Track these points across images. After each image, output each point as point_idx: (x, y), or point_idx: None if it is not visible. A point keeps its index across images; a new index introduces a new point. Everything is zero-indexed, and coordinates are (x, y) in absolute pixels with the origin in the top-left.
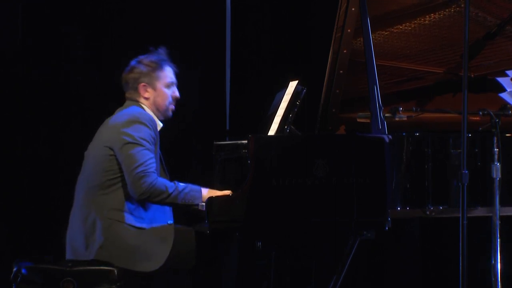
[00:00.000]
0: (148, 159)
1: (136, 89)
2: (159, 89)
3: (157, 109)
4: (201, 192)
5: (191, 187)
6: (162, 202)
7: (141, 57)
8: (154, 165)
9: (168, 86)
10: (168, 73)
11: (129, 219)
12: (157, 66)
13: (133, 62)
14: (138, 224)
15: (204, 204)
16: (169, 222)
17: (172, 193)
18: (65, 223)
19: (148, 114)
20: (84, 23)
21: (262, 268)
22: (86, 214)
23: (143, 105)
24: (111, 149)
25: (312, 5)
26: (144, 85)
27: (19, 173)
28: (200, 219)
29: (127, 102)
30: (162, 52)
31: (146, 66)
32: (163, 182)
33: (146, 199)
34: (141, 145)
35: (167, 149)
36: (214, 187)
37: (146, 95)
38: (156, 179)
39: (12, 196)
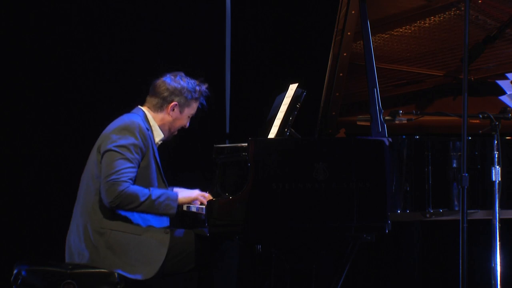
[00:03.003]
0: (124, 167)
1: (164, 102)
2: (183, 115)
3: (169, 129)
4: (177, 201)
5: (167, 195)
6: (134, 210)
7: (188, 78)
8: (130, 174)
9: (189, 117)
10: (196, 107)
11: (122, 226)
12: (197, 97)
13: (178, 77)
14: (132, 231)
15: (203, 207)
16: (165, 227)
17: (144, 202)
18: (65, 223)
19: (140, 123)
20: (84, 23)
21: (262, 269)
22: (81, 221)
23: (148, 114)
24: (100, 154)
25: (312, 8)
26: (176, 105)
27: (19, 173)
28: (200, 221)
29: (136, 109)
30: (206, 86)
31: (188, 91)
32: (135, 191)
33: (117, 207)
34: (120, 153)
35: (167, 152)
36: (214, 190)
37: (171, 113)
38: (127, 187)
39: (12, 196)
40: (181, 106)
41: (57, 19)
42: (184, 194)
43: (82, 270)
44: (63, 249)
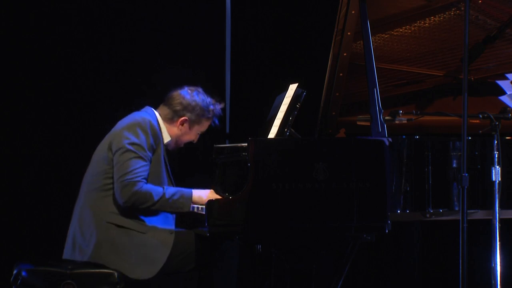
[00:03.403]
0: (138, 167)
1: (175, 115)
2: (192, 131)
3: (176, 142)
4: (191, 199)
5: (181, 193)
6: (149, 209)
7: (204, 96)
8: (144, 173)
9: (199, 134)
10: (207, 125)
11: (128, 223)
12: (209, 117)
13: (195, 93)
14: (137, 229)
15: (203, 207)
16: (170, 228)
17: (158, 201)
18: (65, 223)
19: (152, 121)
20: (84, 23)
21: (262, 269)
22: (85, 216)
23: (158, 117)
24: (112, 152)
25: (312, 8)
26: (186, 120)
27: (19, 173)
28: (200, 221)
29: (146, 108)
30: (221, 106)
31: (201, 109)
32: (149, 190)
33: (131, 206)
34: (133, 151)
35: (167, 152)
36: (214, 190)
37: (180, 127)
38: (141, 187)
39: (12, 196)
40: (191, 123)
41: (57, 19)
42: (198, 193)
43: (82, 270)
44: (63, 248)
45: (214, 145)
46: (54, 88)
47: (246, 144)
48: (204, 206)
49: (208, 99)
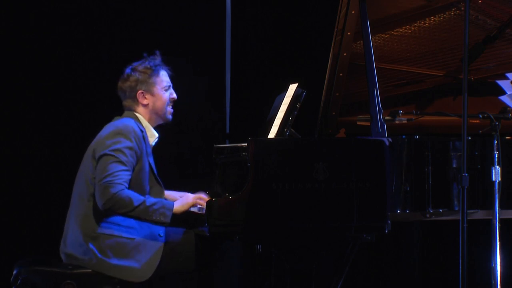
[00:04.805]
0: (117, 170)
1: (134, 98)
2: (157, 94)
3: (157, 114)
4: (172, 210)
5: (162, 203)
6: (127, 215)
7: (135, 64)
8: (125, 177)
9: (166, 89)
10: (164, 77)
11: (116, 231)
12: (153, 72)
13: (127, 70)
14: (126, 236)
15: (203, 207)
16: (160, 234)
17: (137, 207)
18: (64, 223)
19: (134, 127)
20: (84, 23)
21: (262, 269)
22: (75, 226)
23: (139, 115)
24: (95, 160)
25: (312, 8)
26: (142, 92)
27: (19, 173)
28: (200, 221)
29: (125, 113)
30: (155, 57)
31: (142, 73)
32: (129, 195)
33: (110, 209)
34: (114, 156)
35: (167, 152)
36: (214, 190)
37: (145, 102)
38: (121, 190)
39: (12, 196)
40: (148, 90)
41: (57, 19)
42: (180, 202)
43: (83, 271)
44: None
45: (214, 145)
46: (54, 88)
47: (246, 144)
48: (204, 206)
49: (139, 63)
